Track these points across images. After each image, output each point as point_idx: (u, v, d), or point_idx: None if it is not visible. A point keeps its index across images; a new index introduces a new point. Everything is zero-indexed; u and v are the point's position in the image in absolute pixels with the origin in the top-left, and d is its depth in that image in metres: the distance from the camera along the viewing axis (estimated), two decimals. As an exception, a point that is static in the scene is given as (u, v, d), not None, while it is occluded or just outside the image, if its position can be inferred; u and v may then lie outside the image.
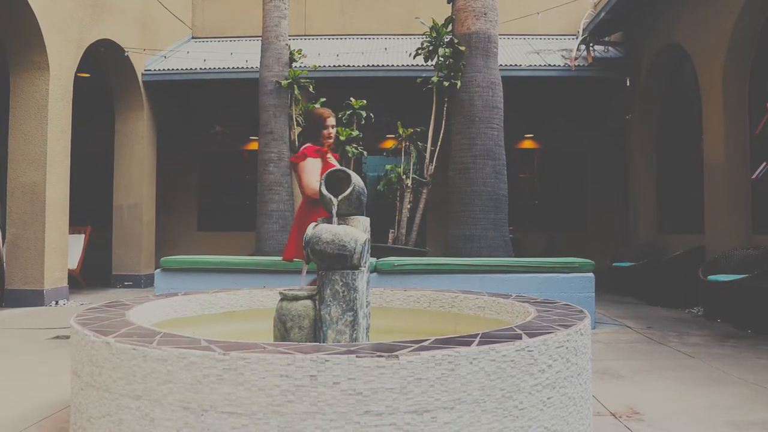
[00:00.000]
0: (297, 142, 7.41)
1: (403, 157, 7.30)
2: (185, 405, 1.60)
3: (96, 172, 10.24)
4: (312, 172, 3.65)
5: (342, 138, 7.06)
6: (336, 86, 8.59)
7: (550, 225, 10.41)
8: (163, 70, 9.03)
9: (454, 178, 6.37)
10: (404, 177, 7.09)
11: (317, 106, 7.31)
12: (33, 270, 6.57)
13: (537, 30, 10.48)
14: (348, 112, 7.24)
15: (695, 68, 6.89)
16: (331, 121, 3.78)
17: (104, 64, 8.54)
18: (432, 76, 6.73)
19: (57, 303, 6.65)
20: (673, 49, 7.59)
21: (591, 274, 5.04)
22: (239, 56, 9.30)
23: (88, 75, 8.55)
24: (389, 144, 9.30)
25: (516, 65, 8.75)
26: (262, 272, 5.08)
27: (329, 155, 3.81)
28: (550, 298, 4.39)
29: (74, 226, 8.15)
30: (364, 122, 7.26)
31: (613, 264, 7.96)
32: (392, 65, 8.88)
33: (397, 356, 1.57)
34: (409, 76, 8.21)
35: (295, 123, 7.41)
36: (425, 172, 7.01)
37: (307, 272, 3.32)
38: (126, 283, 8.72)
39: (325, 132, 3.74)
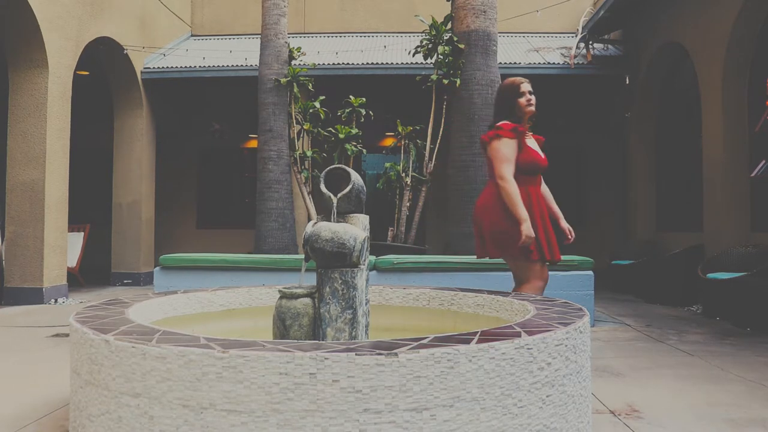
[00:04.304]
0: (296, 140, 7.40)
1: (402, 155, 7.31)
2: (184, 403, 1.60)
3: (95, 170, 10.24)
4: (507, 157, 3.05)
5: (341, 136, 7.05)
6: (335, 84, 8.59)
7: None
8: (162, 68, 9.02)
9: (453, 175, 6.37)
10: (403, 175, 7.09)
11: (316, 104, 7.31)
12: (32, 268, 6.57)
13: (536, 28, 10.48)
14: (347, 110, 7.24)
15: (695, 66, 6.89)
16: (526, 86, 3.19)
17: (103, 62, 8.53)
18: (431, 74, 6.73)
19: (56, 301, 6.65)
20: (672, 47, 7.58)
21: (590, 272, 5.04)
22: (238, 54, 9.30)
23: (87, 73, 8.55)
24: (389, 142, 9.32)
25: (515, 63, 8.74)
26: (261, 270, 5.08)
27: (529, 137, 3.22)
28: (549, 295, 4.40)
29: (73, 224, 8.14)
30: (364, 120, 7.25)
31: (612, 262, 7.96)
32: (391, 63, 8.87)
33: (396, 354, 1.57)
34: (409, 74, 8.21)
35: (294, 121, 7.41)
36: (424, 170, 7.01)
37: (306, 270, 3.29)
38: (125, 281, 8.72)
39: (522, 100, 3.15)
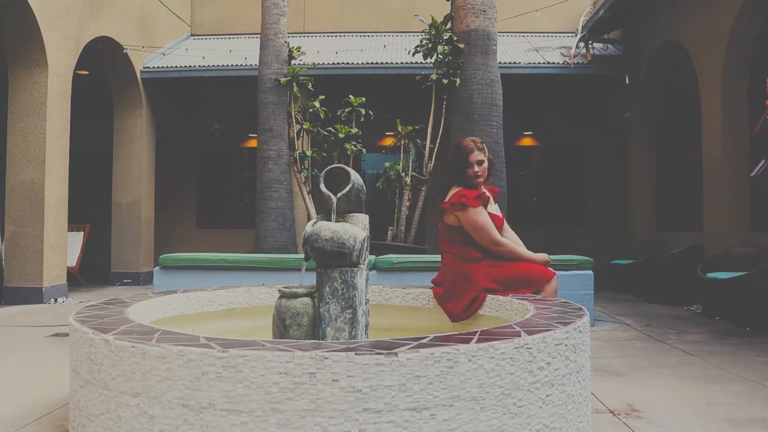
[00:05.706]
0: (296, 139, 7.39)
1: (402, 155, 7.30)
2: (184, 402, 1.60)
3: (95, 169, 10.25)
4: (486, 223, 3.02)
5: (341, 135, 7.05)
6: (335, 84, 8.59)
7: (549, 222, 10.42)
8: (162, 67, 9.02)
9: (453, 175, 6.36)
10: (403, 174, 7.09)
11: (316, 104, 7.31)
12: (32, 267, 6.57)
13: (536, 27, 10.48)
14: (347, 110, 7.23)
15: (694, 66, 6.89)
16: (477, 156, 3.07)
17: (103, 62, 8.53)
18: (431, 74, 6.72)
19: (56, 300, 6.65)
20: (672, 46, 7.58)
21: (590, 272, 5.04)
22: (238, 54, 9.29)
23: (86, 72, 8.55)
24: (388, 141, 9.30)
25: (515, 63, 8.74)
26: (261, 269, 5.08)
27: (491, 200, 3.15)
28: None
29: (73, 224, 8.15)
30: (363, 120, 7.25)
31: (612, 261, 7.96)
32: (391, 63, 8.87)
33: (396, 354, 1.57)
34: (408, 74, 8.21)
35: (294, 120, 7.41)
36: (424, 169, 7.01)
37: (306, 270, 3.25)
38: (125, 281, 8.72)
39: (469, 171, 3.08)
